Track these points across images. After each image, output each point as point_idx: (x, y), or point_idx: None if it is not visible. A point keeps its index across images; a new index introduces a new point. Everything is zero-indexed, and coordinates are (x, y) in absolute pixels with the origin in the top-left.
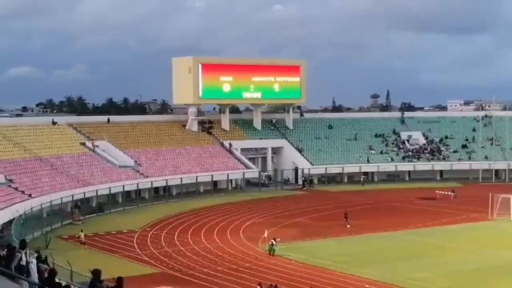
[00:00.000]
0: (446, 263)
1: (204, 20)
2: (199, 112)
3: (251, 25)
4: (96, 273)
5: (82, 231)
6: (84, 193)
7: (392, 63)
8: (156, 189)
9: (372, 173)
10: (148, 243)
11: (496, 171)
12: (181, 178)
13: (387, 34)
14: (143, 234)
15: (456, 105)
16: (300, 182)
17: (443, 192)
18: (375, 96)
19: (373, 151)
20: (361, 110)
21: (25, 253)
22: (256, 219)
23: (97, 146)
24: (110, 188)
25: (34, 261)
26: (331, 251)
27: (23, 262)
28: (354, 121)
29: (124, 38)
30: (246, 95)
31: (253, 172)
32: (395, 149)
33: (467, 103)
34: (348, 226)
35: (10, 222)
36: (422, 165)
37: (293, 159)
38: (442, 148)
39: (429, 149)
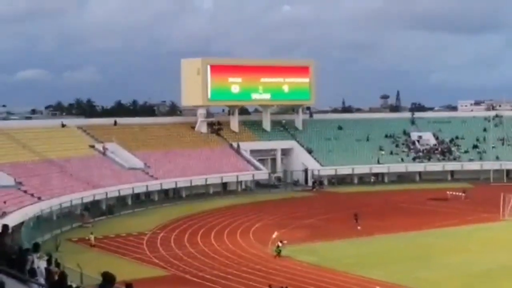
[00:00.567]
0: (457, 264)
1: (213, 21)
2: (208, 114)
3: (261, 26)
4: (107, 276)
5: (92, 233)
6: (94, 195)
7: (402, 63)
8: (166, 191)
9: (382, 174)
10: (158, 245)
11: (508, 171)
12: (191, 180)
13: (397, 35)
14: (153, 236)
15: (467, 105)
16: (310, 183)
17: (454, 193)
18: (385, 97)
19: (383, 152)
20: (371, 110)
21: (37, 257)
22: (266, 221)
23: (106, 148)
24: (119, 191)
25: (42, 264)
26: (341, 252)
27: (35, 265)
28: (364, 121)
29: (133, 40)
30: (255, 96)
31: (262, 174)
32: (406, 149)
33: (477, 103)
34: (359, 227)
35: (20, 225)
36: (433, 166)
37: (302, 160)
38: (452, 149)
39: (439, 149)
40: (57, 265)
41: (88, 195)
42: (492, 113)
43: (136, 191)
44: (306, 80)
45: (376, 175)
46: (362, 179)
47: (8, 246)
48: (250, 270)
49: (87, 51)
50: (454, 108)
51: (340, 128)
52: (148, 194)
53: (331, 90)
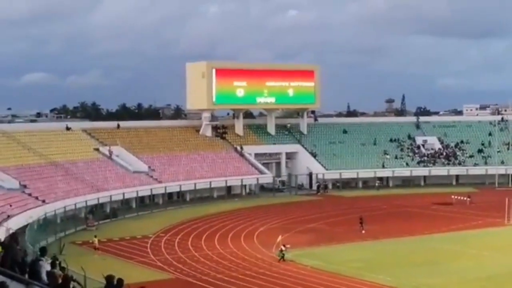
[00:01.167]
0: (462, 269)
1: (219, 26)
2: (213, 117)
3: (266, 31)
4: (110, 279)
5: (96, 236)
6: (98, 198)
7: (407, 67)
8: (170, 195)
9: (387, 178)
10: (162, 248)
11: None
12: (195, 184)
13: (402, 39)
14: (157, 240)
15: (472, 109)
16: (314, 187)
17: (459, 197)
18: (390, 101)
19: (388, 156)
20: (376, 114)
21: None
22: (270, 225)
23: (112, 152)
24: (124, 194)
25: (45, 267)
26: (346, 256)
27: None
28: (369, 126)
29: (138, 43)
30: (260, 100)
31: (267, 177)
32: (410, 154)
33: (483, 107)
34: (363, 231)
35: (24, 227)
36: (438, 170)
37: (307, 164)
38: (458, 153)
39: (444, 154)
40: (62, 268)
41: (92, 198)
42: (497, 118)
43: (140, 194)
44: (311, 84)
45: (380, 179)
46: (367, 183)
47: (16, 251)
48: (254, 274)
49: (92, 55)
50: (460, 113)
51: (345, 132)
52: (152, 197)
53: (336, 94)
